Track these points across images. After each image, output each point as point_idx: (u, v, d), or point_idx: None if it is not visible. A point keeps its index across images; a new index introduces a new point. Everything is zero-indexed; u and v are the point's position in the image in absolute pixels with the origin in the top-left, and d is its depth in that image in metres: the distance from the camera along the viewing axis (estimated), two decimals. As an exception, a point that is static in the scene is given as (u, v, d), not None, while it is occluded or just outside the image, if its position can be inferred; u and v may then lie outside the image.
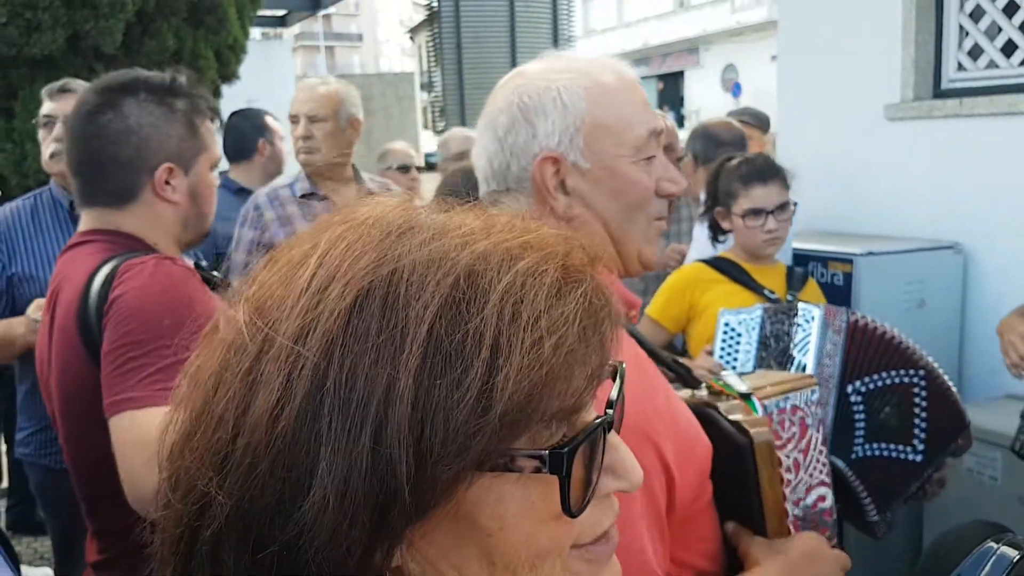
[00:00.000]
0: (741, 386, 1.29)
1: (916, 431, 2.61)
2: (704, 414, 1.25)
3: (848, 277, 3.43)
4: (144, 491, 1.38)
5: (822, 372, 2.62)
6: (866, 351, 2.64)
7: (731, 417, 1.23)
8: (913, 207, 3.78)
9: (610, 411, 0.64)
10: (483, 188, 1.28)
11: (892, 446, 2.62)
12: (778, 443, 1.26)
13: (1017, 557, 0.90)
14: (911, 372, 2.63)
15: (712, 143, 3.66)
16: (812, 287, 2.99)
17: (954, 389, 2.53)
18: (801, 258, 3.47)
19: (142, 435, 1.39)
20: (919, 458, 2.59)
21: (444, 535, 0.59)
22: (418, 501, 0.55)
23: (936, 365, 2.60)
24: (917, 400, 2.61)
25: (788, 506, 1.26)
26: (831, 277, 3.35)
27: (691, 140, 3.80)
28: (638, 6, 32.99)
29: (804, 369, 2.61)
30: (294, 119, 3.31)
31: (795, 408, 1.30)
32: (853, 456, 2.62)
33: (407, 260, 0.58)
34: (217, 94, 7.18)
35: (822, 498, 1.33)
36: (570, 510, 0.59)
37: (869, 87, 3.91)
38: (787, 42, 4.43)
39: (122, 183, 1.66)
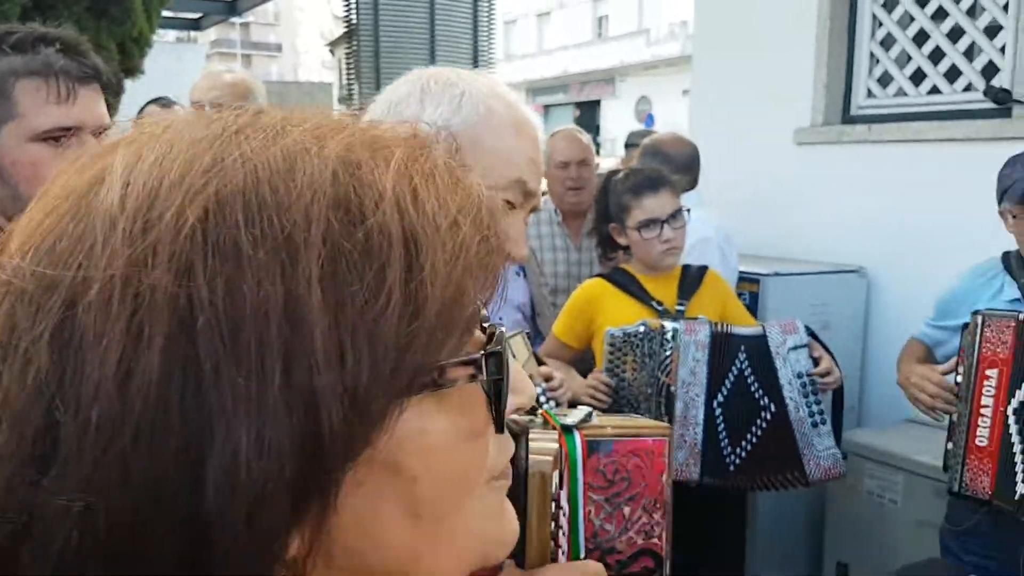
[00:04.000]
0: (567, 419, 1.21)
1: (758, 398, 2.61)
2: (515, 436, 1.17)
3: (755, 297, 3.43)
4: None
5: (688, 392, 2.57)
6: (724, 357, 2.61)
7: (532, 445, 1.16)
8: (821, 230, 3.82)
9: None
10: None
11: (751, 430, 2.60)
12: (599, 485, 1.19)
13: None
14: (740, 358, 2.62)
15: (664, 162, 3.35)
16: (710, 285, 2.85)
17: (774, 339, 2.63)
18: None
19: None
20: (774, 408, 2.59)
21: (363, 497, 0.47)
22: (348, 443, 0.44)
23: (757, 330, 2.65)
24: (750, 381, 2.62)
25: (581, 552, 1.17)
26: (738, 296, 3.34)
27: (642, 158, 3.56)
28: (558, 34, 33.42)
29: (668, 389, 2.56)
30: (197, 108, 3.14)
31: (629, 455, 1.22)
32: (732, 468, 2.57)
33: (260, 159, 0.46)
34: (119, 89, 6.86)
35: (647, 566, 1.24)
36: (502, 422, 0.53)
37: (781, 112, 3.94)
38: (701, 69, 4.46)
39: None
